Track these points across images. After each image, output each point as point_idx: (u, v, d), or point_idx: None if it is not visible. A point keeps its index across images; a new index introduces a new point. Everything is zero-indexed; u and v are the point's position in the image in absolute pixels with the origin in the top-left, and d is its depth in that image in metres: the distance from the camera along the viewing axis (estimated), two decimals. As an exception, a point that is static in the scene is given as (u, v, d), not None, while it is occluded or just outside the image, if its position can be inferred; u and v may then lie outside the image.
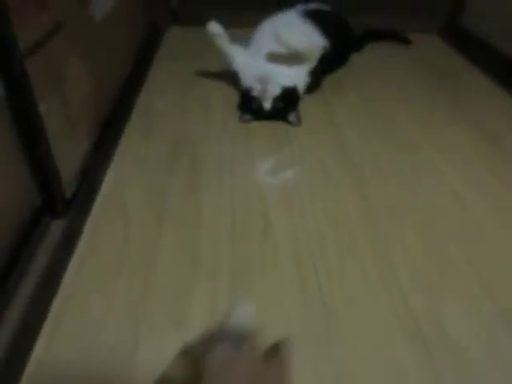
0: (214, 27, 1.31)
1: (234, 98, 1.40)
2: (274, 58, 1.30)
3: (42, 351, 0.67)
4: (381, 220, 0.94)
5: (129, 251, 0.85)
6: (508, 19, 1.62)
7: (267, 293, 0.77)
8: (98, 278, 0.80)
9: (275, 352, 0.36)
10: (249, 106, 1.28)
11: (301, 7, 1.55)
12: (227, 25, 1.74)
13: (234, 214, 0.95)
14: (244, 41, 1.41)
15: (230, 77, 1.49)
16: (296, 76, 1.31)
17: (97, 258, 0.84)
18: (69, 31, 0.95)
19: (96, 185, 1.01)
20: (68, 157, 0.95)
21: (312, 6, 1.60)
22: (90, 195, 0.98)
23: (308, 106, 1.35)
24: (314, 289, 0.78)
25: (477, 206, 1.00)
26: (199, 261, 0.83)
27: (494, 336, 0.72)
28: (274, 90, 1.23)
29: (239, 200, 0.99)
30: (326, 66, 1.45)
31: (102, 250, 0.85)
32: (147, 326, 0.71)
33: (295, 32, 1.34)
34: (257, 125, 1.29)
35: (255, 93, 1.24)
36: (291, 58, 1.28)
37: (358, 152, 1.17)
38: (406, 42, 1.90)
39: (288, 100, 1.26)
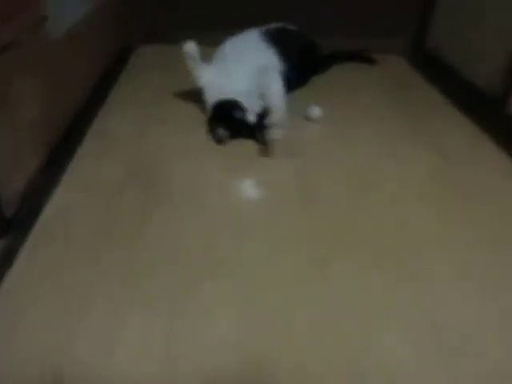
0: (190, 47, 1.35)
1: (197, 119, 1.41)
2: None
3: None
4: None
5: (63, 278, 0.84)
6: (468, 44, 1.66)
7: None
8: (31, 299, 0.78)
9: None
10: (226, 118, 1.28)
11: (264, 27, 1.57)
12: (197, 43, 1.75)
13: (182, 242, 0.93)
14: (208, 59, 1.43)
15: (194, 97, 1.50)
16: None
17: (30, 280, 0.82)
18: (20, 49, 0.95)
19: (39, 206, 0.99)
20: (11, 177, 0.94)
21: (278, 24, 1.63)
22: (31, 216, 0.96)
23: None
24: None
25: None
26: (138, 286, 0.82)
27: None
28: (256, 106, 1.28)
29: (190, 228, 0.97)
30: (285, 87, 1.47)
31: (36, 274, 0.84)
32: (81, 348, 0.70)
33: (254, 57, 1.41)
34: (219, 148, 1.29)
35: (243, 104, 1.27)
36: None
37: (316, 177, 1.19)
38: (370, 61, 1.93)
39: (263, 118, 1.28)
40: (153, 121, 1.40)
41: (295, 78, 1.53)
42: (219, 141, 1.28)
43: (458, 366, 0.70)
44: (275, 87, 1.32)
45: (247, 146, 1.29)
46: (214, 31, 1.99)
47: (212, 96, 1.35)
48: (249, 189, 1.14)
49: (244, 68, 1.37)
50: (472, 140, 1.41)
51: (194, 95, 1.55)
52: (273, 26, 1.61)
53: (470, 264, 0.91)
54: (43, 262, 0.86)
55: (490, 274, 0.89)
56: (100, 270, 0.85)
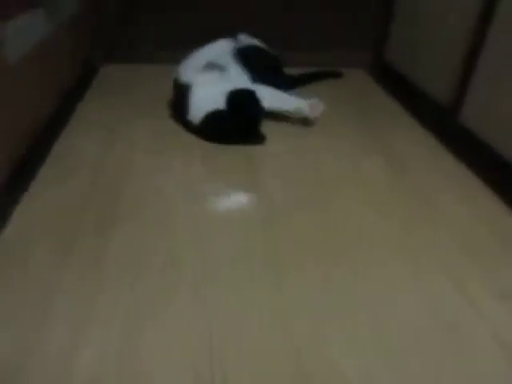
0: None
1: (161, 137, 1.43)
2: None
3: None
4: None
5: (25, 290, 0.83)
6: (420, 56, 1.74)
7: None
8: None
9: None
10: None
11: (236, 42, 1.62)
12: (159, 61, 1.79)
13: (139, 263, 0.94)
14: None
15: (158, 115, 1.51)
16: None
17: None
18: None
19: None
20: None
21: (246, 41, 1.67)
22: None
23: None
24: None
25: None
26: (94, 311, 0.82)
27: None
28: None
29: (153, 244, 0.99)
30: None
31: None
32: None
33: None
34: (184, 166, 1.31)
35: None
36: None
37: (277, 187, 1.21)
38: (337, 75, 2.00)
39: None
40: (117, 140, 1.41)
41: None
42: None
43: (406, 366, 0.74)
44: (267, 92, 1.45)
45: (212, 161, 1.32)
46: (174, 49, 2.03)
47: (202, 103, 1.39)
48: (213, 204, 1.16)
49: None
50: (427, 148, 1.47)
51: (157, 114, 1.57)
52: (244, 41, 1.65)
53: (427, 267, 0.95)
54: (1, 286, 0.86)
55: (446, 275, 0.93)
56: (60, 288, 0.85)
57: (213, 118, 1.37)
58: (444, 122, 1.53)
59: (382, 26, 2.04)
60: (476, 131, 1.39)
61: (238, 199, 1.17)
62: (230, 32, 1.84)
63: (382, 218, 1.11)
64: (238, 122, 1.38)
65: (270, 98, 1.45)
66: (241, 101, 1.38)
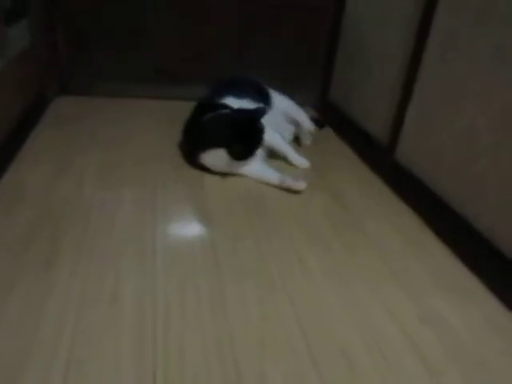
0: None
1: (110, 171, 1.45)
2: None
3: None
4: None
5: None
6: (359, 96, 1.88)
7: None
8: None
9: None
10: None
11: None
12: (114, 94, 1.82)
13: (81, 301, 0.95)
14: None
15: (107, 149, 1.53)
16: None
17: None
18: None
19: None
20: None
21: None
22: None
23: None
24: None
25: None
26: (35, 337, 0.82)
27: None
28: None
29: (96, 278, 1.00)
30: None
31: None
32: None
33: None
34: (132, 198, 1.33)
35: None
36: None
37: (224, 228, 1.26)
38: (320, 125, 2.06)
39: None
40: (64, 175, 1.41)
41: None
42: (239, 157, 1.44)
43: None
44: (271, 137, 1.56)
45: (163, 193, 1.35)
46: (127, 83, 2.08)
47: None
48: (159, 240, 1.18)
49: None
50: (366, 185, 1.58)
51: (107, 147, 1.59)
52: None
53: (358, 297, 1.02)
54: None
55: (377, 299, 1.00)
56: (2, 322, 0.85)
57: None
58: (382, 160, 1.65)
59: (327, 67, 2.18)
60: (410, 168, 1.50)
61: (185, 231, 1.21)
62: (177, 68, 1.92)
63: (318, 249, 1.18)
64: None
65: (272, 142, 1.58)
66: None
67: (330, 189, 1.50)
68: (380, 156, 1.67)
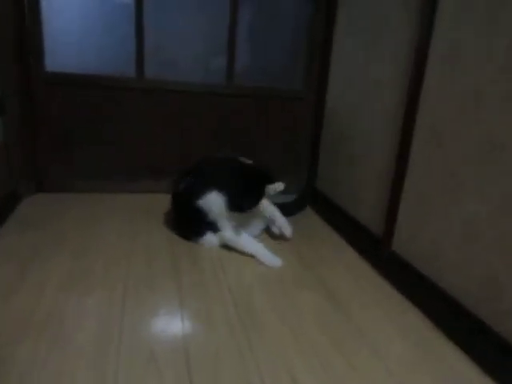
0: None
1: (77, 277, 1.29)
2: None
3: None
4: None
5: None
6: (354, 188, 1.81)
7: None
8: None
9: None
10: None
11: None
12: (90, 189, 1.74)
13: None
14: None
15: (76, 250, 1.39)
16: None
17: None
18: None
19: None
20: None
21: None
22: None
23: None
24: None
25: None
26: None
27: None
28: None
29: None
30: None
31: None
32: None
33: None
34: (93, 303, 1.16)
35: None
36: None
37: (208, 321, 1.08)
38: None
39: None
40: (25, 281, 1.25)
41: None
42: None
43: None
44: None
45: (132, 299, 1.18)
46: (102, 180, 2.02)
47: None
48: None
49: None
50: (361, 279, 1.43)
51: (76, 249, 1.46)
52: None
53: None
54: None
55: None
56: None
57: None
58: (378, 251, 1.52)
59: (313, 158, 2.15)
60: (407, 259, 1.38)
61: (155, 354, 1.02)
62: (153, 167, 1.88)
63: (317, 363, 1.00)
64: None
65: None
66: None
67: (321, 284, 1.36)
68: (374, 246, 1.55)
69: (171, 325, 1.12)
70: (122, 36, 1.91)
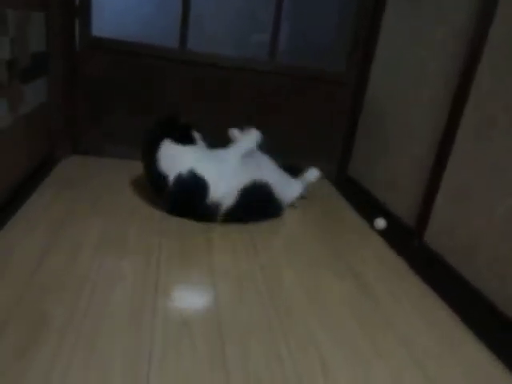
0: None
1: (111, 238, 1.33)
2: None
3: None
4: None
5: None
6: (383, 173, 1.78)
7: None
8: None
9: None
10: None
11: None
12: (125, 156, 1.76)
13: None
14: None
15: (109, 215, 1.42)
16: None
17: None
18: None
19: None
20: None
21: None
22: None
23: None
24: None
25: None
26: None
27: None
28: None
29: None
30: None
31: None
32: None
33: None
34: (132, 275, 1.19)
35: None
36: None
37: (233, 311, 1.10)
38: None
39: None
40: (60, 242, 1.28)
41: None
42: None
43: None
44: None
45: (168, 265, 1.21)
46: (138, 147, 2.03)
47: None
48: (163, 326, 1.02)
49: None
50: (390, 270, 1.42)
51: (112, 211, 1.48)
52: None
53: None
54: None
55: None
56: None
57: None
58: (408, 241, 1.50)
59: (347, 141, 2.12)
60: (440, 252, 1.36)
61: (188, 318, 1.04)
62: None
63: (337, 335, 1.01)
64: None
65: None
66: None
67: (353, 272, 1.35)
68: (405, 236, 1.52)
69: (204, 293, 1.14)
70: (167, 7, 1.90)
